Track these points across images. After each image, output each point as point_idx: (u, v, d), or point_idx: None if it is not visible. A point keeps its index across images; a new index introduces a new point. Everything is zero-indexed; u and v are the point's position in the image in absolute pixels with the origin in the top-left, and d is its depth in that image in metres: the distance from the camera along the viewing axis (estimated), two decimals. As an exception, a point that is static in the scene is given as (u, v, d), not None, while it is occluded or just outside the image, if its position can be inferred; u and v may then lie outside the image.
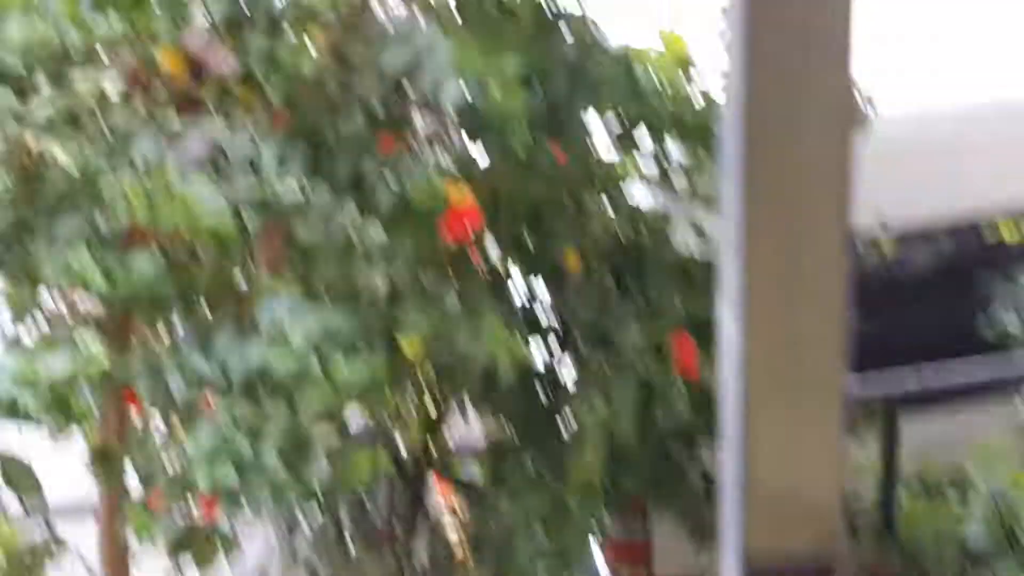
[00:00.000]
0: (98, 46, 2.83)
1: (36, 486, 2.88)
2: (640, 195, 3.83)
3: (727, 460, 0.66)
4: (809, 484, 0.66)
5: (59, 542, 2.90)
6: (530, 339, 3.93)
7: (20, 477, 2.82)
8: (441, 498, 4.65)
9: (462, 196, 3.01)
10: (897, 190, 4.01)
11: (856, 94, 3.18)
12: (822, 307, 0.69)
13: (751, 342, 0.66)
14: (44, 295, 2.95)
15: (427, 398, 4.10)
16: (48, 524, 3.21)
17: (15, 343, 2.87)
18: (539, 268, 3.92)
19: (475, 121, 3.15)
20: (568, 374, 4.08)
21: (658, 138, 3.60)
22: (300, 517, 4.41)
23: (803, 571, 0.67)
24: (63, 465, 3.55)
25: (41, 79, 2.80)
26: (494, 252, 3.86)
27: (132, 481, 3.18)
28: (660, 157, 3.65)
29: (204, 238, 2.73)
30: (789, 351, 0.66)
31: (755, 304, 0.66)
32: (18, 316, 2.99)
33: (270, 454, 2.77)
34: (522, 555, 3.91)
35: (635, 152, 3.64)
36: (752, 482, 0.65)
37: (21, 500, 2.85)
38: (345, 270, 2.99)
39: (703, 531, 3.84)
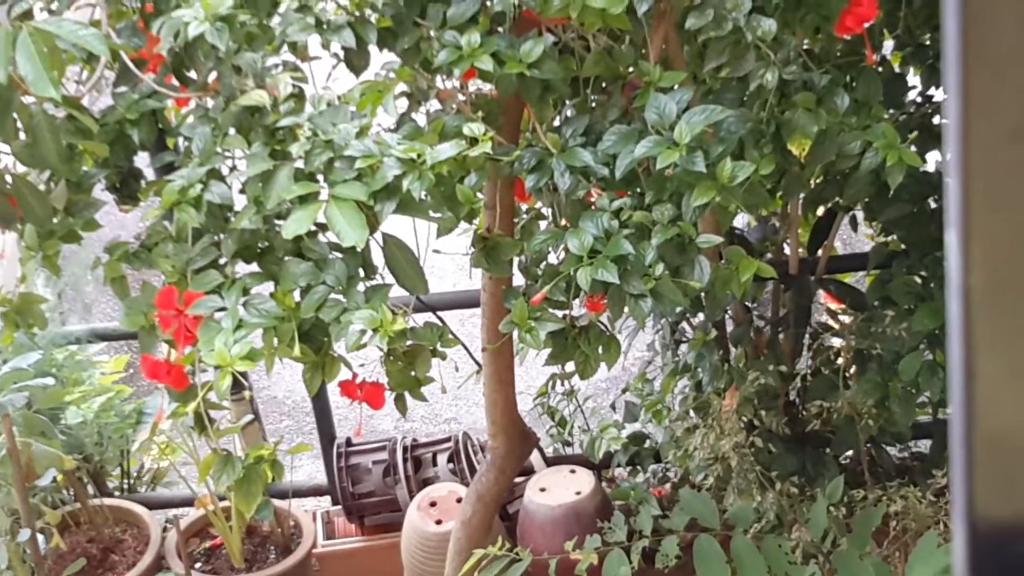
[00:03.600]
0: None
1: (421, 278, 2.92)
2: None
3: (953, 407, 0.56)
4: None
5: (443, 329, 2.94)
6: (923, 140, 3.80)
7: (406, 266, 2.87)
8: (826, 307, 4.57)
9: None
10: None
11: None
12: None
13: (975, 271, 0.55)
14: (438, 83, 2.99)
15: (814, 202, 4.01)
16: (434, 312, 3.30)
17: (406, 130, 2.91)
18: (936, 66, 3.76)
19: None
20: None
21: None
22: (683, 322, 4.43)
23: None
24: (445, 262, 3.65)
25: None
26: (888, 47, 3.71)
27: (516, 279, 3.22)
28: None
29: (594, 22, 2.69)
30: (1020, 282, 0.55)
31: (979, 227, 0.55)
32: (413, 105, 3.04)
33: (651, 253, 2.75)
34: (908, 372, 3.83)
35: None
36: (977, 433, 0.55)
37: (405, 286, 2.89)
38: (734, 63, 2.91)
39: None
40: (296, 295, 2.84)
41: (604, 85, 3.04)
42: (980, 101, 0.61)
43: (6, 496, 4.05)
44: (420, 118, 3.03)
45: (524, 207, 3.37)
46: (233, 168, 2.98)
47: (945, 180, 3.20)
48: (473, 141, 2.71)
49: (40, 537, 4.08)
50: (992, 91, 0.61)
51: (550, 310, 2.91)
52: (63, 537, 4.67)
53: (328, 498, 5.19)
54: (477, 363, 3.64)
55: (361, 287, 2.82)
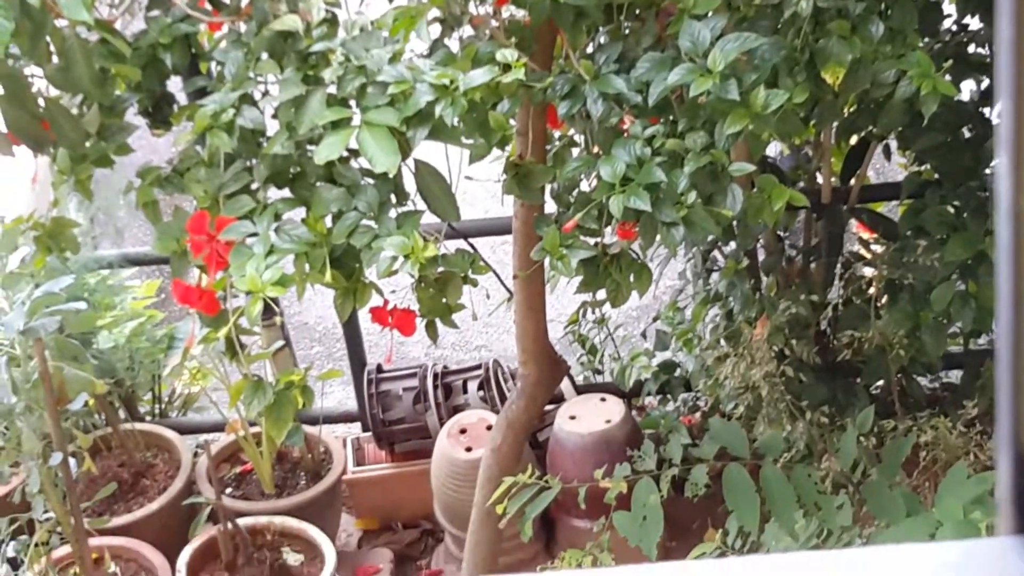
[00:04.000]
0: None
1: (453, 205, 2.92)
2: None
3: (1000, 331, 0.56)
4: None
5: (474, 256, 2.94)
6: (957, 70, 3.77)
7: (438, 193, 2.87)
8: (858, 236, 4.55)
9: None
10: None
11: None
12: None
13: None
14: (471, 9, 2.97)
15: (848, 130, 3.98)
16: (466, 239, 3.30)
17: (439, 56, 2.89)
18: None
19: None
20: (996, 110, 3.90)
21: None
22: (714, 251, 4.42)
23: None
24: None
25: None
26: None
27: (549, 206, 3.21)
28: None
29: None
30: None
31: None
32: (446, 31, 3.03)
33: (684, 180, 2.74)
34: (940, 302, 3.82)
35: None
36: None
37: (436, 213, 2.89)
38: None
39: None
40: (328, 221, 2.84)
41: (638, 12, 3.02)
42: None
43: (38, 420, 4.08)
44: (453, 44, 3.01)
45: (557, 134, 3.35)
46: (265, 93, 2.98)
47: (981, 109, 3.18)
48: (506, 67, 2.69)
49: (72, 461, 4.11)
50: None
51: (582, 237, 2.90)
52: (94, 461, 4.71)
53: (358, 424, 5.22)
54: (508, 290, 3.64)
55: (393, 213, 2.82)
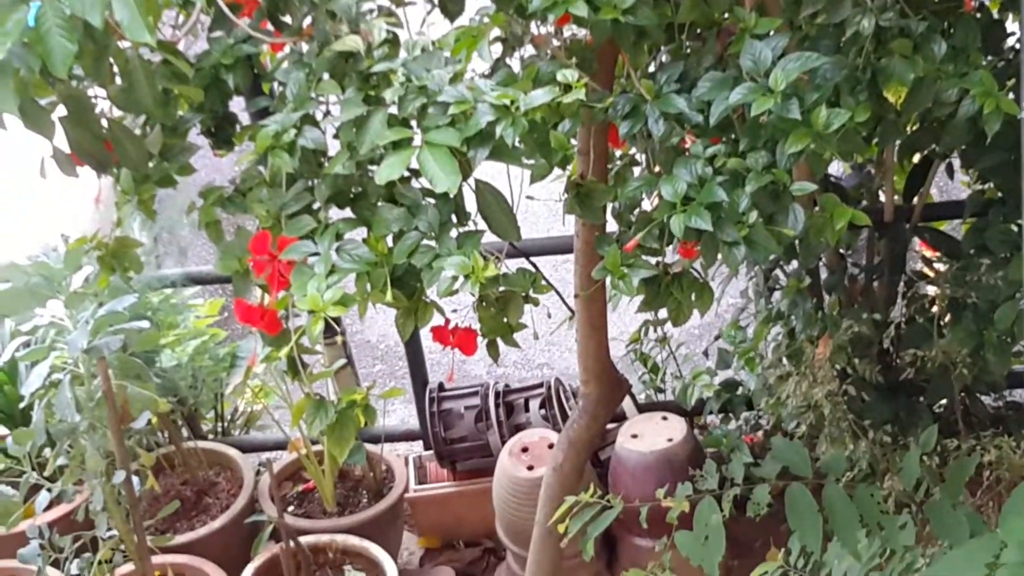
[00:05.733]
0: None
1: (514, 225, 2.92)
2: None
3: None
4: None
5: (535, 276, 2.93)
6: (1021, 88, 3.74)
7: (499, 213, 2.87)
8: (921, 254, 4.52)
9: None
10: None
11: None
12: None
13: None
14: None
15: (910, 149, 3.96)
16: (527, 258, 3.30)
17: (500, 76, 2.89)
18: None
19: None
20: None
21: None
22: (776, 269, 4.40)
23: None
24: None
25: None
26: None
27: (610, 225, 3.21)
28: None
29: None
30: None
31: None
32: (508, 51, 3.03)
33: (745, 200, 2.73)
34: (1004, 321, 3.79)
35: None
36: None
37: (497, 232, 2.89)
38: (831, 9, 2.87)
39: None
40: (389, 241, 2.85)
41: (699, 31, 3.01)
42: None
43: (101, 438, 4.12)
44: (514, 64, 3.02)
45: (618, 153, 3.35)
46: (327, 113, 2.99)
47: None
48: (567, 87, 2.69)
49: (135, 479, 4.14)
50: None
51: (643, 257, 2.89)
52: (157, 479, 4.75)
53: (420, 443, 5.23)
54: (570, 309, 3.63)
55: (454, 233, 2.82)
